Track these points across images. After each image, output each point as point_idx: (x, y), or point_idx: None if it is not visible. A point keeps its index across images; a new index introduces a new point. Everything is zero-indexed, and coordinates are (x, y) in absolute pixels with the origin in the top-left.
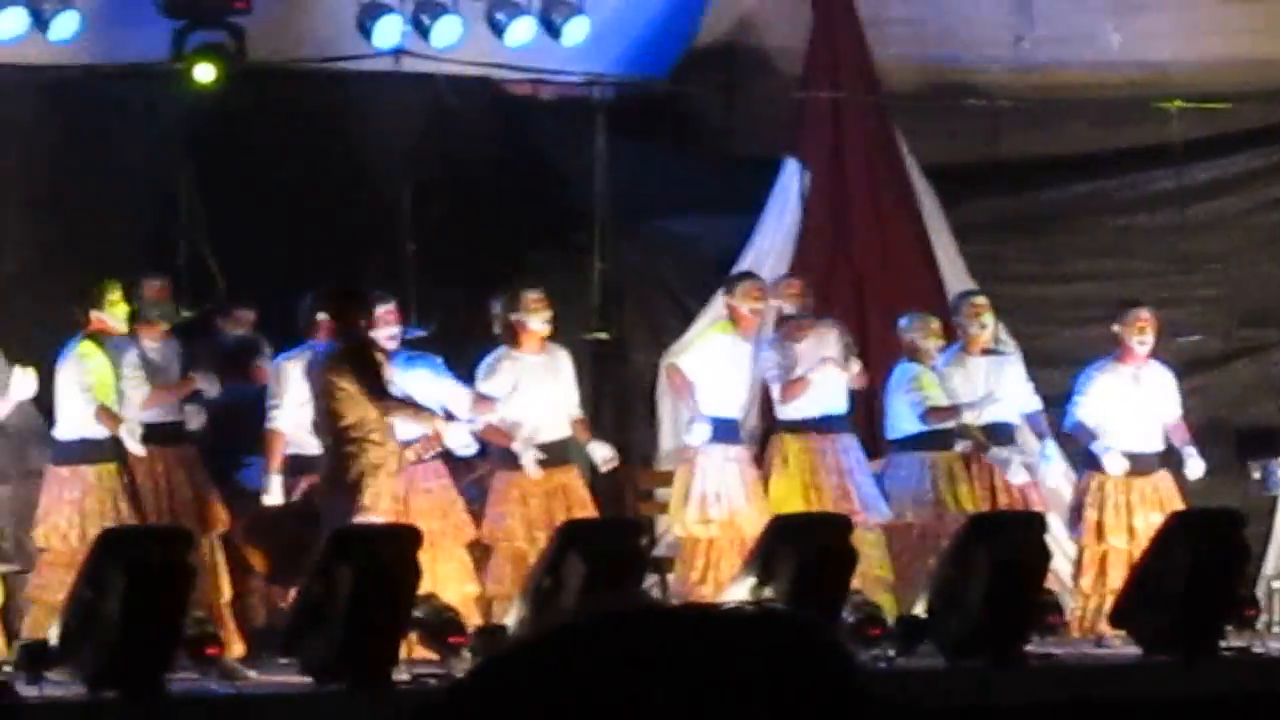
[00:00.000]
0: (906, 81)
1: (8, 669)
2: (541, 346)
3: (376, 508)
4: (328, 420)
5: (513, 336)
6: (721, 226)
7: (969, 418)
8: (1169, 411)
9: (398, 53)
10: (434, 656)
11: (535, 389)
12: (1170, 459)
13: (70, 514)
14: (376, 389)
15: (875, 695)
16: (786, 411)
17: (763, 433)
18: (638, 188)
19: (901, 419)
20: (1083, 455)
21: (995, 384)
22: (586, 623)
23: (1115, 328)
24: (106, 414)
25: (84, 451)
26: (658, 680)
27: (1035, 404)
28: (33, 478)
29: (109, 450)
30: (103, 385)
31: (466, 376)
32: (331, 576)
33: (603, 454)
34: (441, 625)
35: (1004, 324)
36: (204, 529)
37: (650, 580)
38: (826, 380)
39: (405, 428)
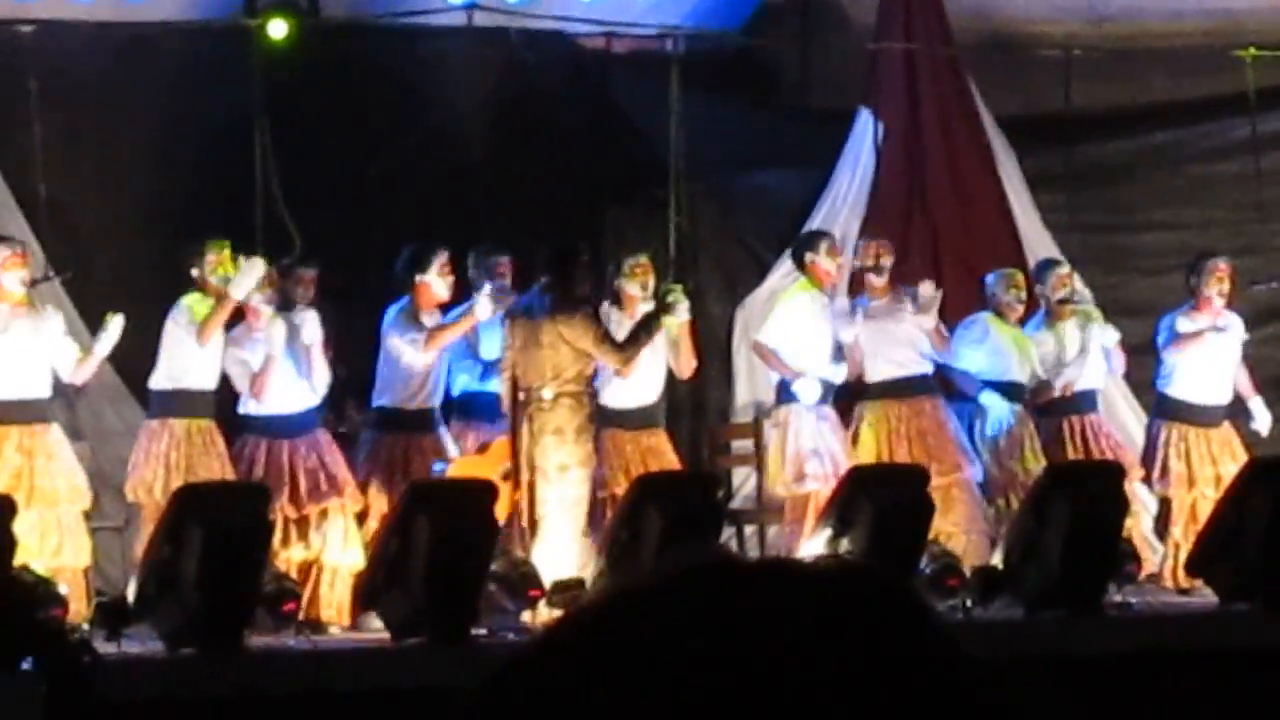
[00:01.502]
0: (979, 33)
1: (87, 626)
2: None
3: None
4: (542, 371)
5: (616, 298)
6: (796, 180)
7: (1064, 381)
8: (1238, 361)
9: (471, 7)
10: (512, 610)
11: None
12: (1234, 412)
13: (156, 468)
14: (612, 340)
15: (959, 648)
16: (870, 374)
17: (850, 393)
18: (712, 141)
19: (974, 369)
20: (1157, 404)
21: (1086, 346)
22: (664, 579)
23: (1192, 279)
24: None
25: (178, 404)
26: (734, 637)
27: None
28: (110, 437)
29: (202, 405)
30: (201, 317)
31: None
32: (409, 531)
33: None
34: (519, 580)
35: (1079, 274)
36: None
37: (727, 533)
38: (904, 341)
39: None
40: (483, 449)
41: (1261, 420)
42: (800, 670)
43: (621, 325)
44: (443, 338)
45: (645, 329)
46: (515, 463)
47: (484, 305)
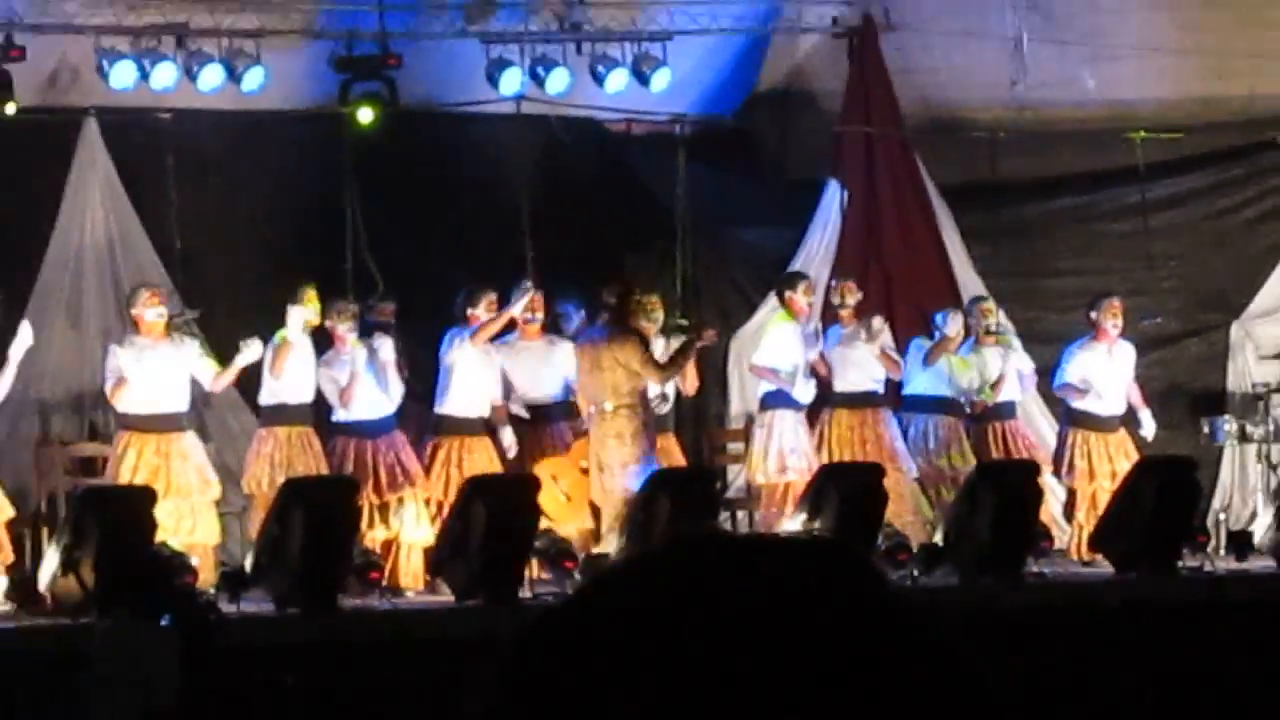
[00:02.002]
0: (924, 117)
1: (214, 590)
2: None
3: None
4: (603, 388)
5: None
6: (777, 235)
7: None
8: (1129, 380)
9: (519, 98)
10: (550, 578)
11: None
12: (1127, 420)
13: (265, 466)
14: (655, 362)
15: (907, 605)
16: (837, 387)
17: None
18: (711, 204)
19: (919, 386)
20: (1065, 413)
21: (1005, 368)
22: (668, 548)
23: (1092, 314)
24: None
25: (280, 415)
26: (725, 593)
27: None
28: (233, 439)
29: (300, 415)
30: (278, 348)
31: None
32: (469, 515)
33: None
34: (557, 553)
35: (1003, 310)
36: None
37: (723, 516)
38: (862, 362)
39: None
40: (567, 449)
41: (1148, 428)
42: (778, 619)
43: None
44: (486, 332)
45: (683, 353)
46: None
47: (516, 305)
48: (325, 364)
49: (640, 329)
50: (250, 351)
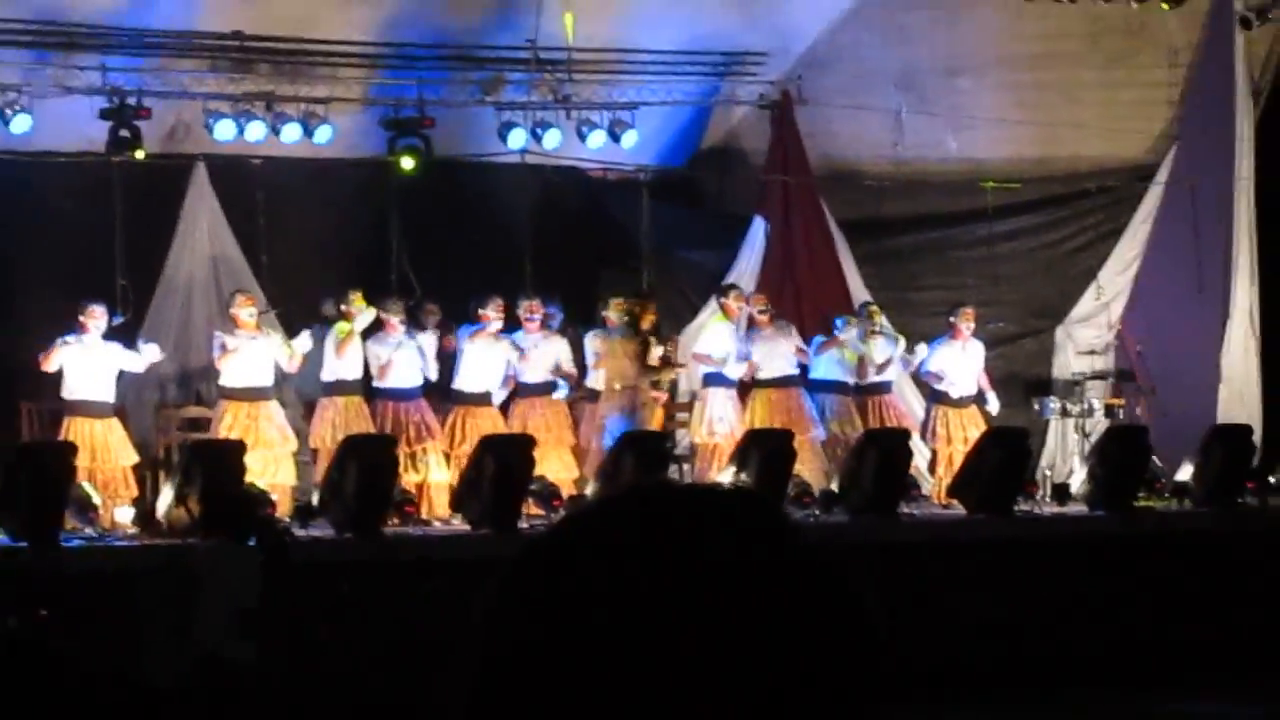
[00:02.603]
0: (827, 169)
1: (289, 520)
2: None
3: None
4: (616, 372)
5: (603, 322)
6: (716, 257)
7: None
8: (979, 368)
9: (523, 152)
10: (541, 513)
11: (616, 354)
12: (977, 399)
13: (327, 427)
14: (644, 361)
15: (805, 540)
16: (760, 374)
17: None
18: (666, 233)
19: (820, 372)
20: (930, 393)
21: (884, 357)
22: (627, 493)
23: (951, 318)
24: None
25: (338, 388)
26: (668, 528)
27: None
28: (297, 407)
29: (352, 387)
30: (341, 336)
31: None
32: (481, 465)
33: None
34: (547, 494)
35: (885, 316)
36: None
37: (672, 469)
38: (781, 354)
39: (540, 371)
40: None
41: (994, 405)
42: (707, 550)
43: (603, 339)
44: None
45: (662, 371)
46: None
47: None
48: (374, 342)
49: (608, 323)
50: (301, 343)
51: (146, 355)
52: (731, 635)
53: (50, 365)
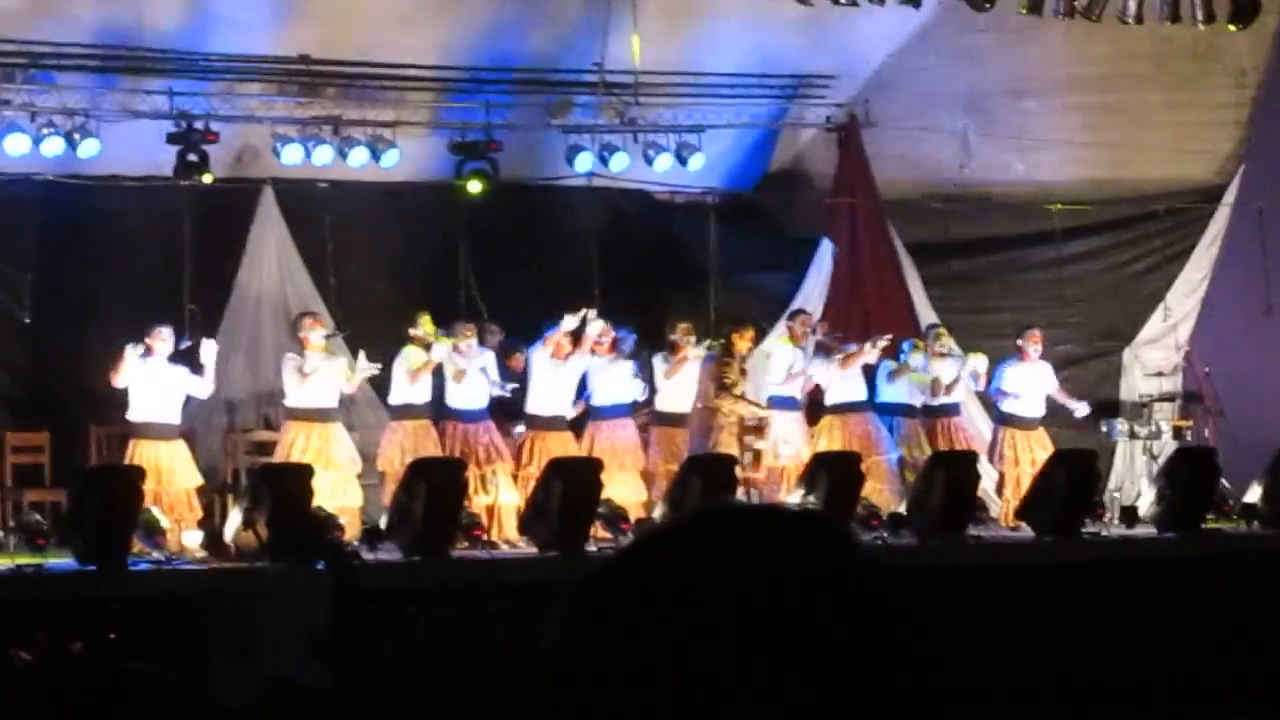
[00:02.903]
0: (894, 192)
1: (357, 543)
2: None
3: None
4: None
5: (671, 347)
6: (783, 280)
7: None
8: (1051, 388)
9: (590, 175)
10: (609, 536)
11: (682, 379)
12: (1045, 421)
13: (396, 450)
14: (721, 384)
15: (874, 560)
16: (828, 399)
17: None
18: (733, 256)
19: (888, 396)
20: (997, 415)
21: (951, 378)
22: (694, 515)
23: (1018, 340)
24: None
25: (404, 412)
26: (735, 550)
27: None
28: (371, 429)
29: (421, 410)
30: (417, 366)
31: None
32: (549, 488)
33: None
34: (614, 517)
35: (954, 338)
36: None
37: (740, 491)
38: (849, 379)
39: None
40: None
41: (1081, 409)
42: (775, 570)
43: (669, 363)
44: (551, 343)
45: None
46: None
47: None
48: (448, 360)
49: (676, 347)
50: (369, 368)
51: (205, 352)
52: (797, 657)
53: (120, 378)
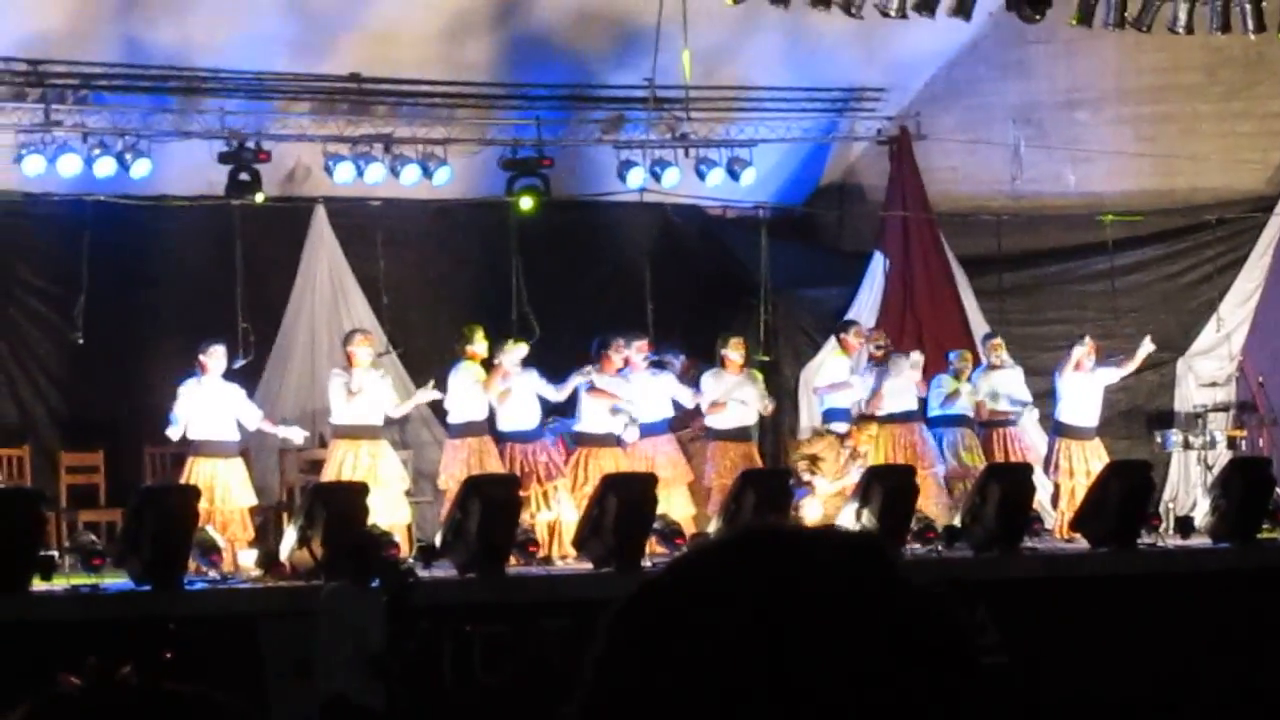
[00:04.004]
0: (946, 205)
1: (412, 560)
2: (739, 369)
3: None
4: None
5: (721, 362)
6: (836, 293)
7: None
8: (1112, 380)
9: (642, 191)
10: (664, 552)
11: (735, 393)
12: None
13: (457, 468)
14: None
15: (915, 585)
16: (880, 409)
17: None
18: (785, 270)
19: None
20: (1053, 426)
21: (1006, 388)
22: (739, 540)
23: (1072, 352)
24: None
25: (466, 430)
26: (777, 574)
27: (1027, 398)
28: (424, 447)
29: (479, 429)
30: (480, 382)
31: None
32: (604, 504)
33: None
34: (669, 533)
35: (1007, 350)
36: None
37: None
38: (901, 389)
39: (654, 409)
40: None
41: (1145, 347)
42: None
43: (720, 379)
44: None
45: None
46: None
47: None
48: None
49: (727, 362)
50: (421, 395)
51: (291, 434)
52: (841, 678)
53: (178, 413)
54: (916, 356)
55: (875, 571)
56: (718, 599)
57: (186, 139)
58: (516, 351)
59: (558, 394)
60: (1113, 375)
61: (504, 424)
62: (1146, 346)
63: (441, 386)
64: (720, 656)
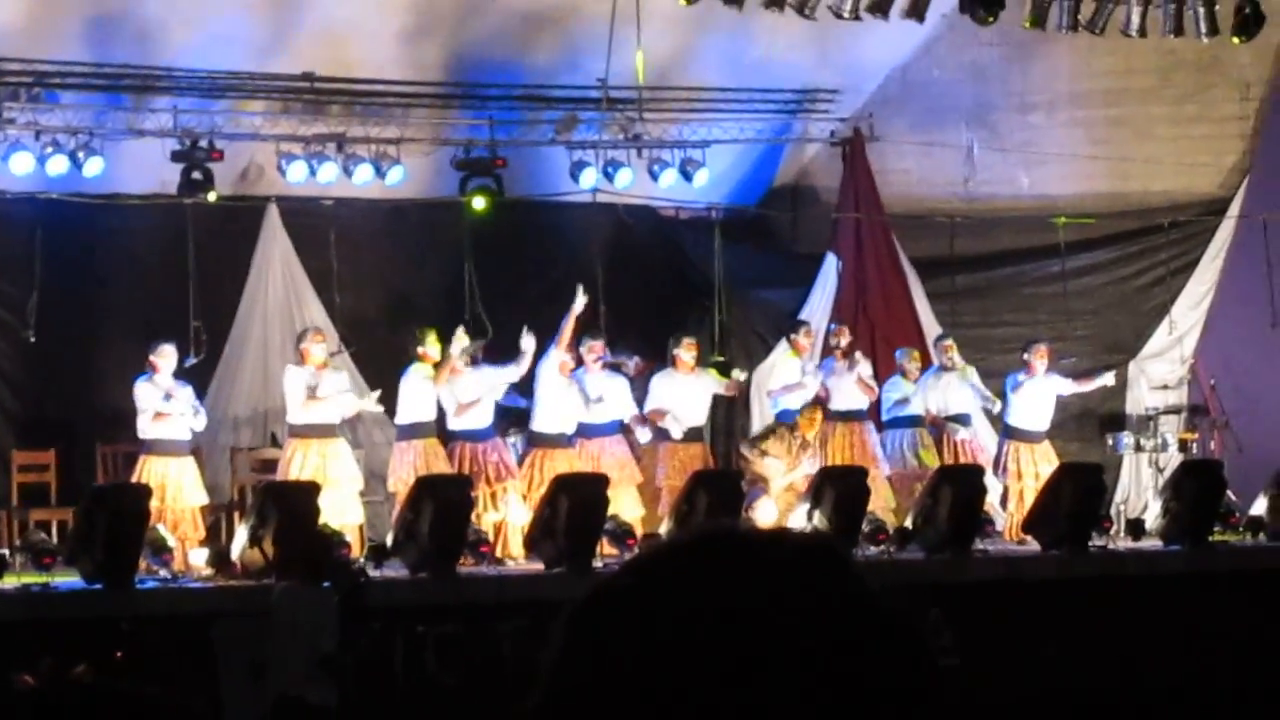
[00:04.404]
0: (899, 206)
1: (363, 560)
2: (690, 369)
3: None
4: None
5: (673, 361)
6: (788, 294)
7: (935, 411)
8: (1065, 390)
9: (594, 191)
10: (615, 553)
11: (684, 393)
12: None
13: (405, 470)
14: None
15: (870, 588)
16: (832, 406)
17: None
18: (738, 272)
19: (896, 410)
20: (1003, 429)
21: (957, 391)
22: (689, 543)
23: (1024, 355)
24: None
25: (413, 431)
26: (729, 577)
27: (982, 402)
28: (377, 447)
29: (427, 430)
30: (430, 379)
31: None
32: (555, 505)
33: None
34: (621, 534)
35: (959, 352)
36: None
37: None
38: (850, 388)
39: (610, 412)
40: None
41: (1106, 379)
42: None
43: (671, 379)
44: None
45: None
46: None
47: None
48: (449, 385)
49: (679, 362)
50: (371, 402)
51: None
52: (796, 679)
53: (143, 427)
54: (860, 359)
55: (830, 573)
56: (674, 601)
57: (140, 137)
58: (465, 343)
59: (516, 371)
60: (1066, 387)
61: (455, 423)
62: (1106, 379)
63: (393, 390)
64: (675, 658)
